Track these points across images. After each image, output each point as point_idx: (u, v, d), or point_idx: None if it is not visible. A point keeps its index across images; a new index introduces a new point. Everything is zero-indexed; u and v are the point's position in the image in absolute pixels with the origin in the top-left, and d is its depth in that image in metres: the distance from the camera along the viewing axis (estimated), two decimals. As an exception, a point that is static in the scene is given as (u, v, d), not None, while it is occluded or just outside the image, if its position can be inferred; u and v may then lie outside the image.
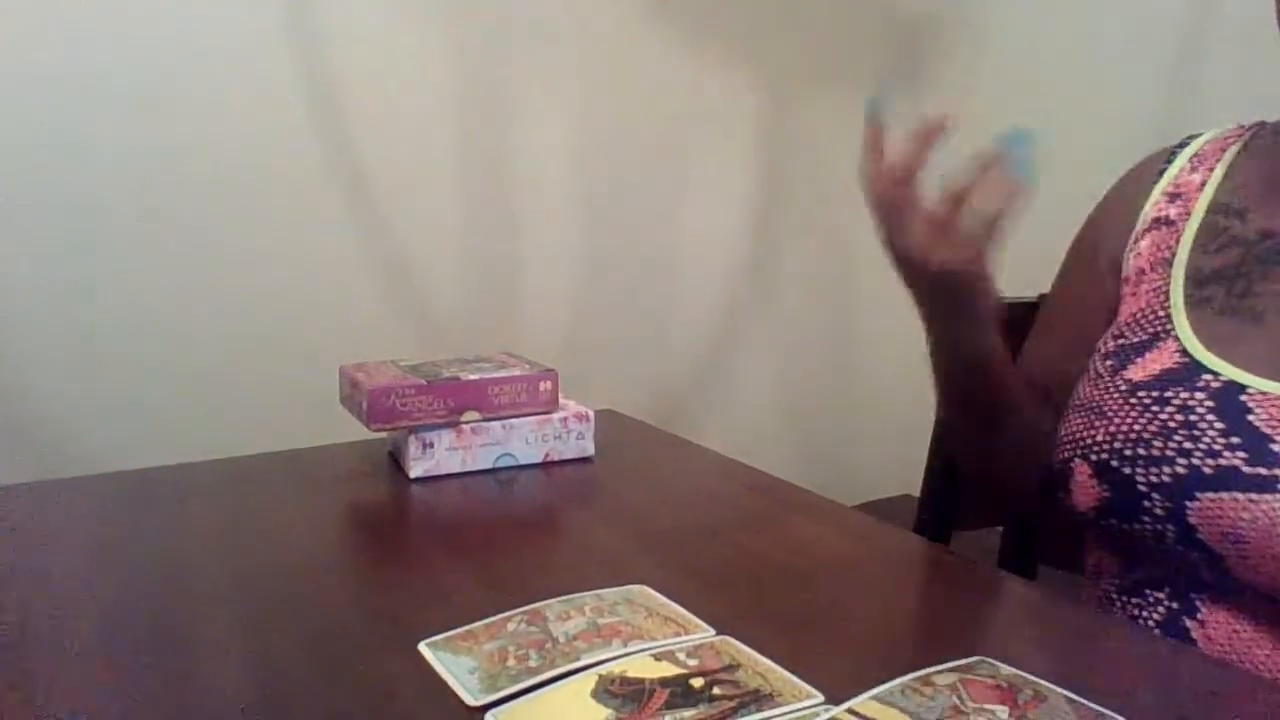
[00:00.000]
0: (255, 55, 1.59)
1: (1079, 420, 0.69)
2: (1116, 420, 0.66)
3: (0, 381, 1.47)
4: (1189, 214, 0.74)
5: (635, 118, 1.97)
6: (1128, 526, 0.65)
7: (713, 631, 0.56)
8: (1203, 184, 0.74)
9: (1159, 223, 0.75)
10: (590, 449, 0.91)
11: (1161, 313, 0.69)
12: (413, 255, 1.77)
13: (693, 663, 0.52)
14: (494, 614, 0.58)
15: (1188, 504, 0.61)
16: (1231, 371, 0.63)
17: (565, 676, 0.51)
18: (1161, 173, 0.78)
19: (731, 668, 0.52)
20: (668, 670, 0.52)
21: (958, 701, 0.48)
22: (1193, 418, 0.62)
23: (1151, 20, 1.82)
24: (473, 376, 0.87)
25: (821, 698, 0.49)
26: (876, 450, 2.30)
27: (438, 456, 0.85)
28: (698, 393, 2.13)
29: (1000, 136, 0.64)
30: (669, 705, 0.48)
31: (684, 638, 0.55)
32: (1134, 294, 0.73)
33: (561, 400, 0.91)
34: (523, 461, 0.89)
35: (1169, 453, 0.62)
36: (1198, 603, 0.64)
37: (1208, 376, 0.63)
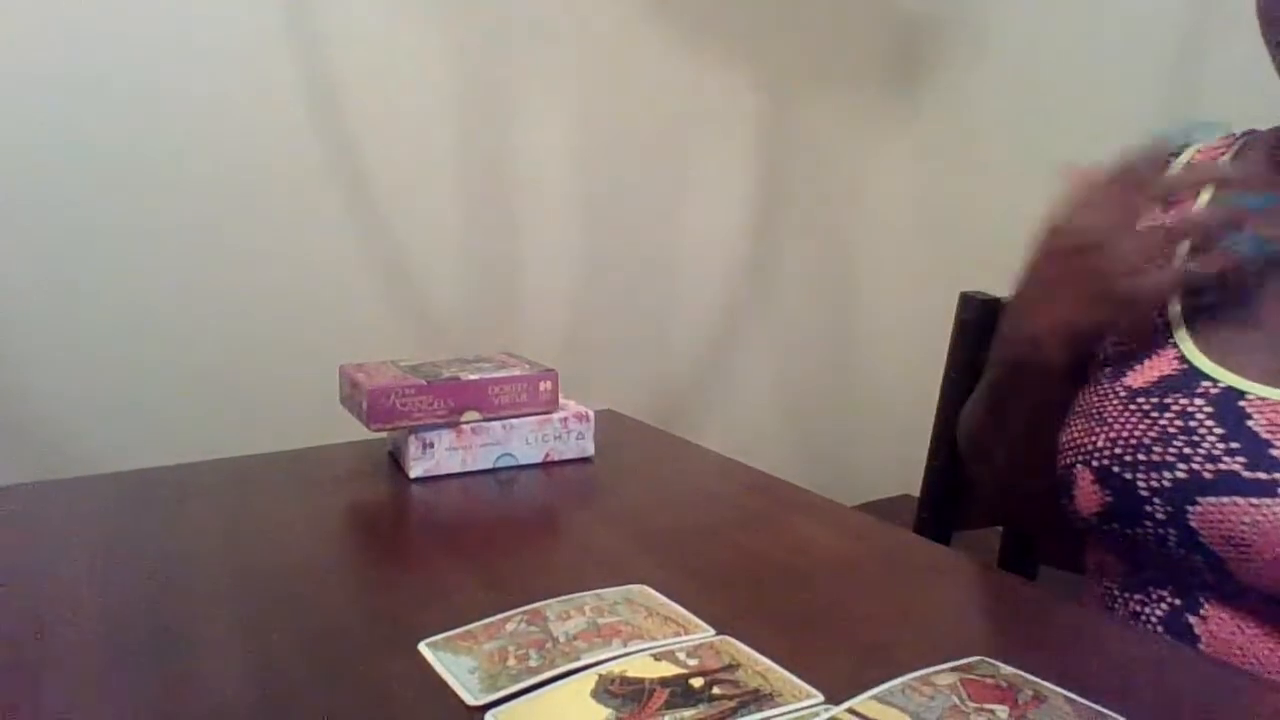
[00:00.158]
0: (255, 55, 1.59)
1: (1080, 426, 0.69)
2: (1117, 426, 0.66)
3: (0, 381, 1.47)
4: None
5: (635, 118, 1.97)
6: (1130, 531, 0.65)
7: (713, 631, 0.56)
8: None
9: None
10: (590, 449, 0.91)
11: (1160, 320, 0.70)
12: (413, 255, 1.77)
13: (693, 663, 0.52)
14: (494, 614, 0.58)
15: (1189, 509, 0.61)
16: (1230, 378, 0.63)
17: (565, 676, 0.51)
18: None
19: (731, 667, 0.52)
20: (668, 670, 0.52)
21: (958, 701, 0.48)
22: (1192, 423, 0.63)
23: (1151, 20, 1.82)
24: (473, 376, 0.87)
25: (821, 698, 0.49)
26: (876, 450, 2.30)
27: (438, 456, 0.85)
28: (698, 393, 2.13)
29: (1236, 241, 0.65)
30: (669, 705, 0.48)
31: (684, 638, 0.55)
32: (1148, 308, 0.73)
33: (561, 400, 0.91)
34: (523, 461, 0.89)
35: (1169, 458, 0.63)
36: (1200, 599, 0.64)
37: (1206, 383, 0.64)
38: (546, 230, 1.90)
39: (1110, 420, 0.67)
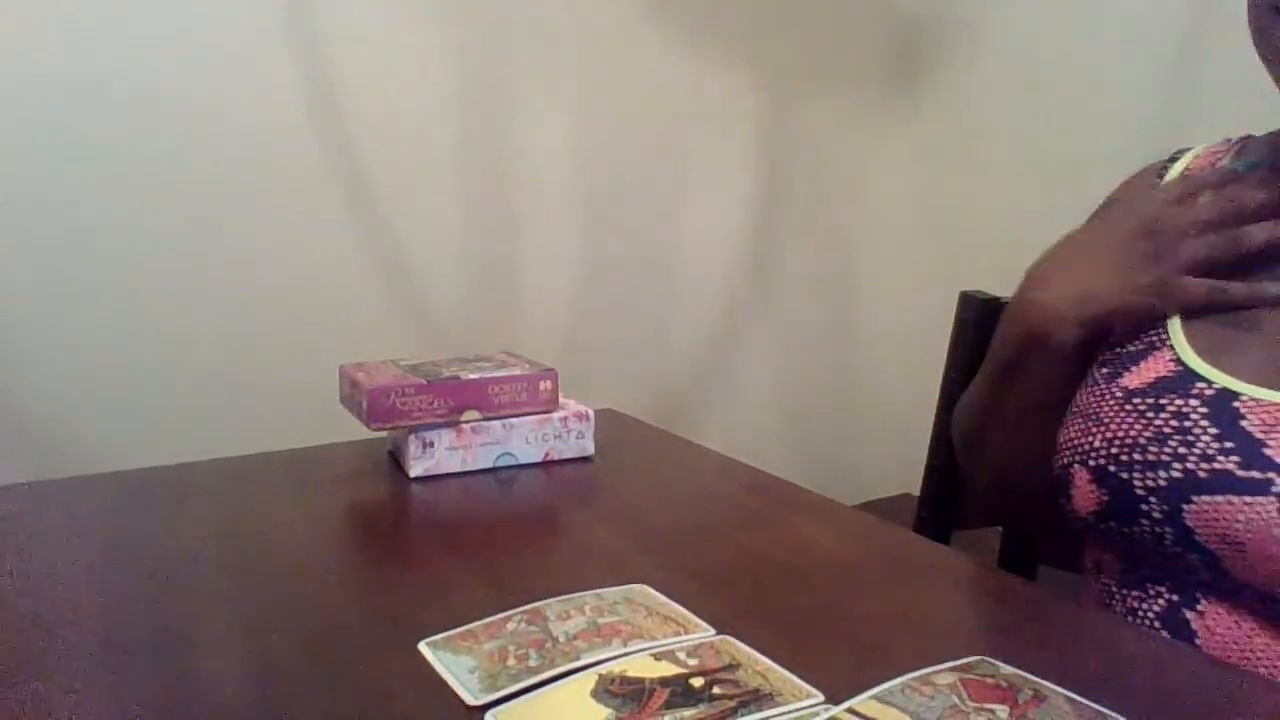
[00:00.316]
0: (255, 55, 1.59)
1: (1077, 427, 0.70)
2: (1113, 426, 0.67)
3: (0, 381, 1.47)
4: None
5: (635, 118, 1.97)
6: (1127, 530, 0.66)
7: (713, 631, 0.56)
8: None
9: None
10: (590, 448, 0.91)
11: (1158, 323, 0.70)
12: (413, 255, 1.77)
13: (693, 662, 0.52)
14: (494, 614, 0.58)
15: (1184, 507, 0.62)
16: (1224, 380, 0.64)
17: (565, 676, 0.51)
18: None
19: (731, 667, 0.52)
20: (668, 670, 0.52)
21: (958, 701, 0.48)
22: (1187, 423, 0.63)
23: (1151, 20, 1.82)
24: (473, 376, 0.87)
25: (821, 697, 0.49)
26: (876, 450, 2.30)
27: (438, 456, 0.85)
28: (698, 393, 2.13)
29: None
30: (669, 705, 0.48)
31: (684, 637, 0.55)
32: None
33: (561, 400, 0.91)
34: (523, 461, 0.89)
35: (1164, 457, 0.63)
36: (1197, 595, 0.64)
37: (1201, 384, 0.64)
38: (546, 230, 1.90)
39: (1107, 421, 0.67)
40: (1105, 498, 0.66)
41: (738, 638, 0.55)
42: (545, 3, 1.83)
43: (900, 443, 1.68)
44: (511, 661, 0.53)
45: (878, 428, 2.31)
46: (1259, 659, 0.61)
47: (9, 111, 1.43)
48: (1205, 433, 0.62)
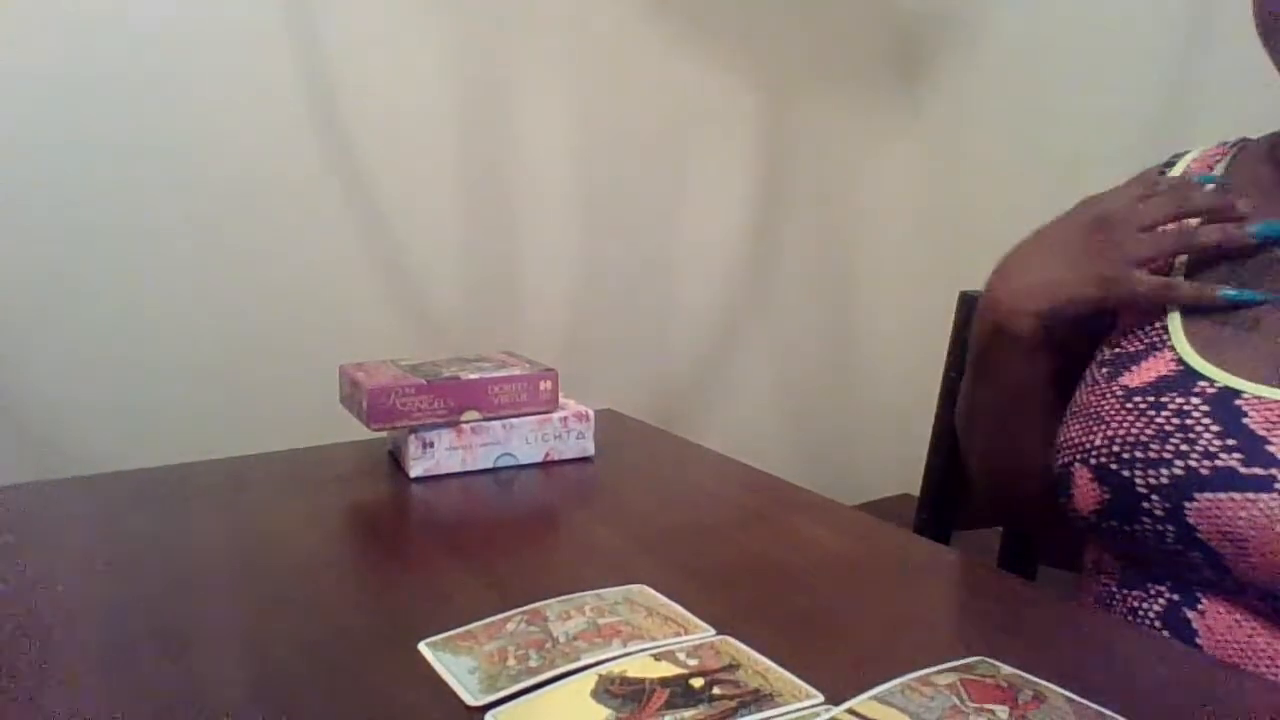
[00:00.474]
0: (255, 55, 1.59)
1: (1077, 426, 0.70)
2: (1114, 425, 0.67)
3: (0, 381, 1.47)
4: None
5: (635, 118, 1.97)
6: (1128, 528, 0.66)
7: (713, 631, 0.56)
8: None
9: None
10: (590, 449, 0.91)
11: (1158, 323, 0.70)
12: (413, 255, 1.77)
13: (693, 663, 0.52)
14: (494, 614, 0.58)
15: (1186, 504, 0.62)
16: (1226, 378, 0.64)
17: (565, 676, 0.51)
18: None
19: (731, 667, 0.52)
20: (668, 670, 0.52)
21: (958, 701, 0.48)
22: (1189, 421, 0.63)
23: (1151, 20, 1.82)
24: (473, 376, 0.87)
25: (821, 698, 0.49)
26: (876, 450, 2.31)
27: (438, 456, 0.85)
28: (698, 393, 2.13)
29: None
30: (669, 705, 0.48)
31: (684, 638, 0.55)
32: (1131, 305, 0.74)
33: (561, 400, 0.91)
34: (523, 461, 0.89)
35: (1166, 455, 0.63)
36: (1198, 594, 0.64)
37: (1203, 383, 0.64)
38: (546, 230, 1.90)
39: (1107, 419, 0.67)
40: (1106, 496, 0.66)
41: (738, 638, 0.55)
42: (545, 3, 1.83)
43: (900, 443, 1.68)
44: (511, 662, 0.53)
45: (877, 428, 2.31)
46: (1259, 659, 0.61)
47: (9, 110, 1.43)
48: (1207, 430, 0.62)
